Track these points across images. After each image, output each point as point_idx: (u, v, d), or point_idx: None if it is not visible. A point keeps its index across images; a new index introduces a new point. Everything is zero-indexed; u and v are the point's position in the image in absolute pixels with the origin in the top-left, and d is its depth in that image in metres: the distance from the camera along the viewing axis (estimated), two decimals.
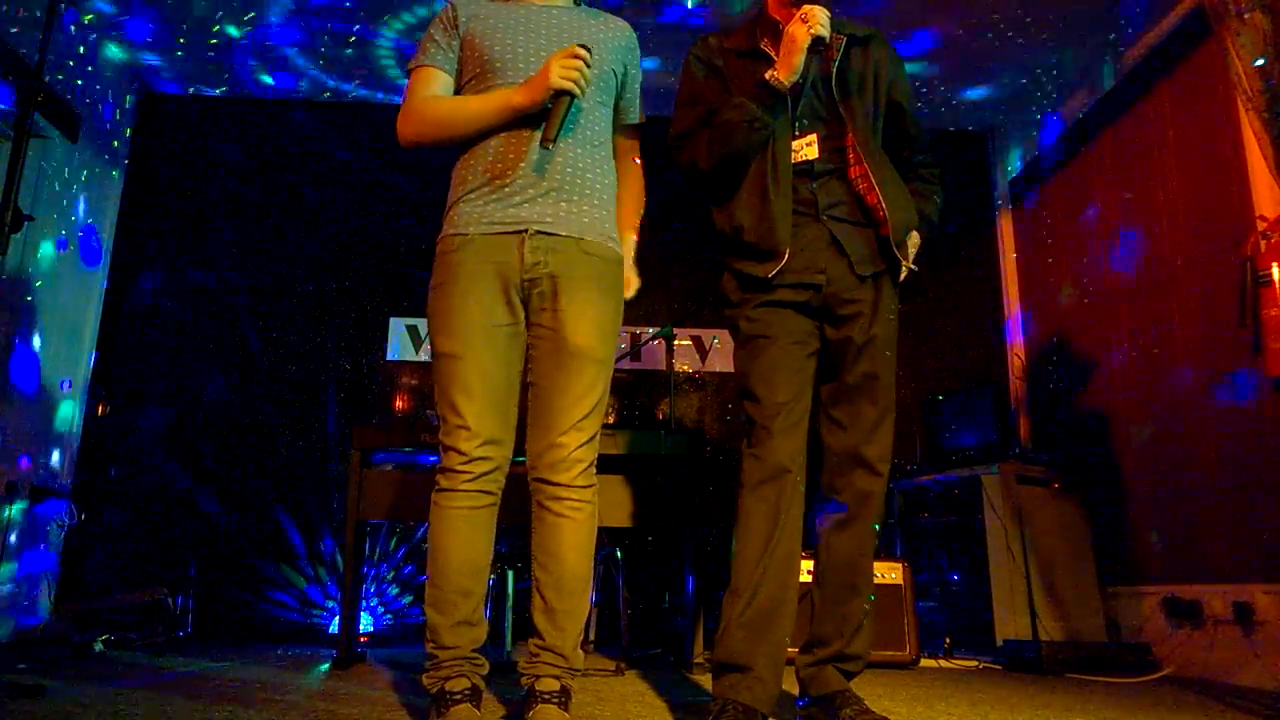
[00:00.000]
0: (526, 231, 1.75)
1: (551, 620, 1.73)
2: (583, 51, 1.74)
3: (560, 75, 1.71)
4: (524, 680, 1.74)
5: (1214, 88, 3.26)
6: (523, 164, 1.78)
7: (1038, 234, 4.61)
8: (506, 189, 1.77)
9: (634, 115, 2.00)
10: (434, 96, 1.85)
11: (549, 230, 1.77)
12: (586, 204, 1.82)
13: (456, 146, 1.86)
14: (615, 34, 1.96)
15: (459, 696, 1.65)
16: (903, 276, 1.93)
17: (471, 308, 1.73)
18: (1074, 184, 4.27)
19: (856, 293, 1.86)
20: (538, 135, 1.77)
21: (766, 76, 1.82)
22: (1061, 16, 3.91)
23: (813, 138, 1.90)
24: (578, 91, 1.74)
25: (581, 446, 1.75)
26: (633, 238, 1.98)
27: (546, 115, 1.74)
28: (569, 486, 1.74)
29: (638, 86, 2.01)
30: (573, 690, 1.76)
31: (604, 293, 1.81)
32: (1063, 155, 4.36)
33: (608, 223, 1.87)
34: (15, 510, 3.58)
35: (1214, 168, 3.29)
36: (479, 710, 1.67)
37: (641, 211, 2.01)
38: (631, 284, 1.95)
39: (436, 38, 1.89)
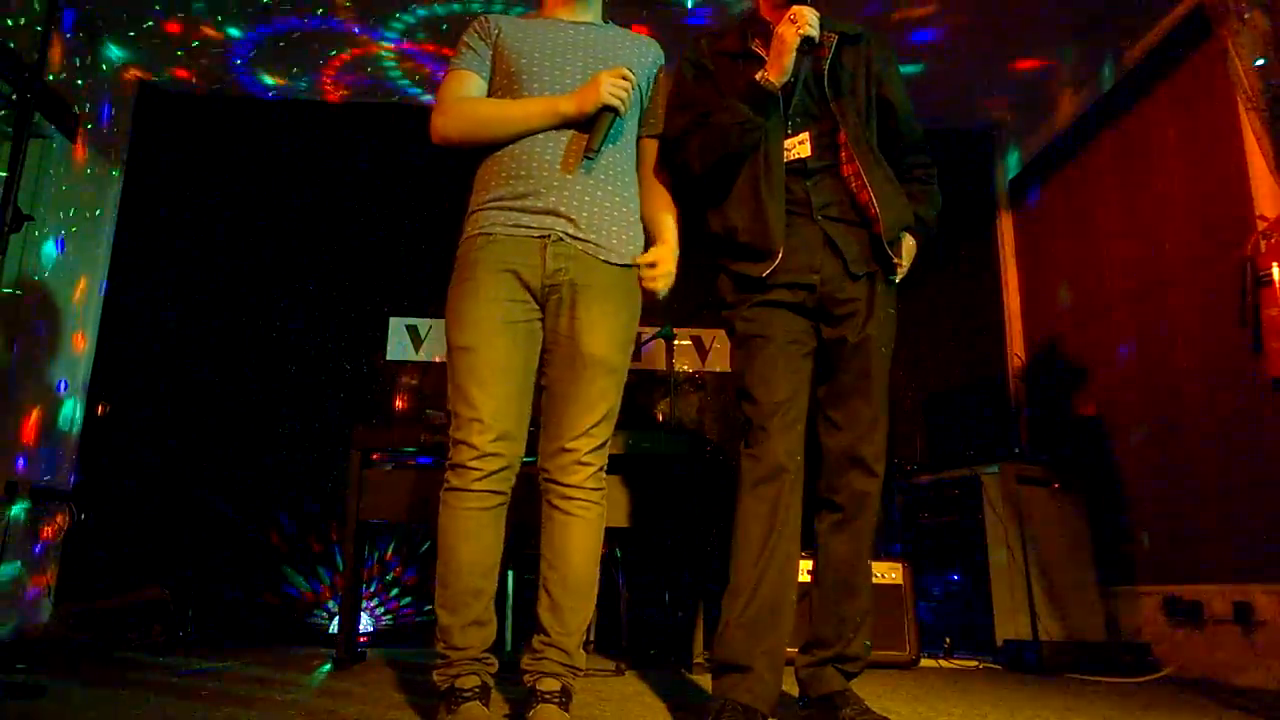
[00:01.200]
0: (550, 237, 1.78)
1: (557, 617, 1.74)
2: (631, 75, 1.82)
3: (609, 91, 1.78)
4: (526, 679, 1.74)
5: (1214, 88, 3.26)
6: (553, 171, 1.81)
7: (1038, 234, 4.61)
8: (533, 194, 1.79)
9: (661, 125, 2.02)
10: (472, 97, 1.89)
11: (573, 235, 1.79)
12: (611, 214, 1.85)
13: (484, 148, 1.88)
14: (642, 51, 1.99)
15: (469, 694, 1.65)
16: (899, 278, 1.94)
17: (490, 304, 1.75)
18: (1074, 184, 4.27)
19: (851, 292, 1.87)
20: (569, 143, 1.82)
21: (757, 77, 1.84)
22: (1062, 16, 3.91)
23: (805, 136, 1.91)
24: (623, 110, 1.81)
25: (592, 451, 1.78)
26: (670, 222, 1.95)
27: (590, 126, 1.80)
28: (579, 488, 1.77)
29: (664, 101, 2.03)
30: (574, 690, 1.76)
31: (621, 304, 1.83)
32: (1063, 155, 4.36)
33: (629, 233, 1.89)
34: (15, 510, 3.58)
35: (1214, 168, 3.29)
36: (488, 708, 1.67)
37: (674, 209, 1.99)
38: (666, 267, 1.88)
39: (471, 44, 1.93)
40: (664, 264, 1.89)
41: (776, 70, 1.82)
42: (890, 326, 1.92)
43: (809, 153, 1.90)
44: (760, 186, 1.86)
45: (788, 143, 1.91)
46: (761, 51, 1.90)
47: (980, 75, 4.44)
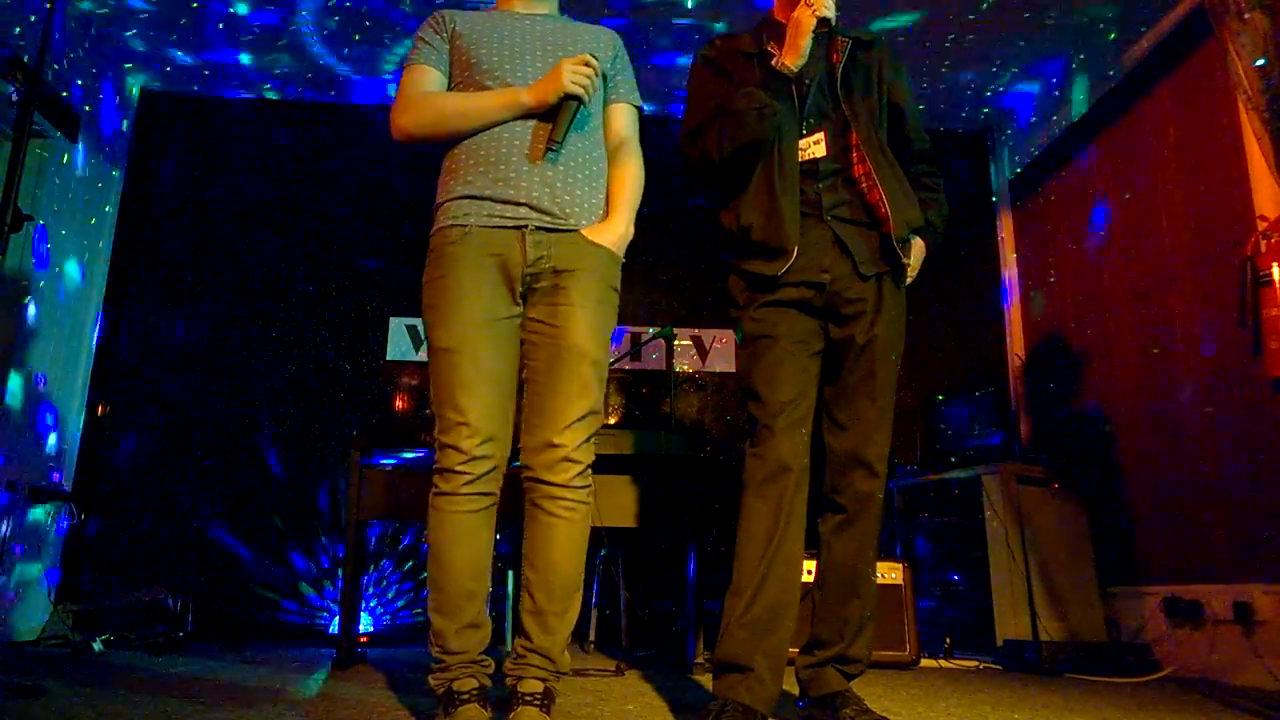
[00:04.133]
0: (527, 227, 1.76)
1: (540, 622, 1.71)
2: (594, 61, 1.78)
3: (572, 79, 1.75)
4: (508, 680, 1.72)
5: (1214, 88, 3.26)
6: (521, 158, 1.78)
7: (1038, 234, 4.61)
8: (505, 182, 1.77)
9: (630, 97, 1.98)
10: (433, 92, 1.86)
11: (549, 227, 1.77)
12: (584, 197, 1.83)
13: (449, 142, 1.85)
14: (599, 41, 1.97)
15: (466, 696, 1.64)
16: (909, 279, 1.94)
17: (472, 301, 1.72)
18: (1074, 184, 4.27)
19: (860, 292, 1.87)
20: (534, 133, 1.79)
21: (773, 62, 1.85)
22: (1062, 16, 3.91)
23: (820, 136, 1.92)
24: (586, 98, 1.77)
25: (579, 446, 1.73)
26: (624, 200, 1.87)
27: (553, 116, 1.77)
28: (566, 487, 1.72)
29: (630, 75, 2.01)
30: (556, 692, 1.74)
31: (601, 291, 1.80)
32: (1063, 155, 4.36)
33: (601, 212, 1.87)
34: (15, 510, 3.58)
35: (1214, 168, 3.29)
36: (487, 710, 1.66)
37: (638, 191, 1.92)
38: (616, 231, 1.83)
39: (428, 39, 1.90)
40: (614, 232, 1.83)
41: (793, 53, 1.83)
42: (899, 328, 1.92)
43: (824, 152, 1.91)
44: (775, 185, 1.86)
45: (803, 142, 1.91)
46: (777, 52, 1.91)
47: (980, 75, 4.44)
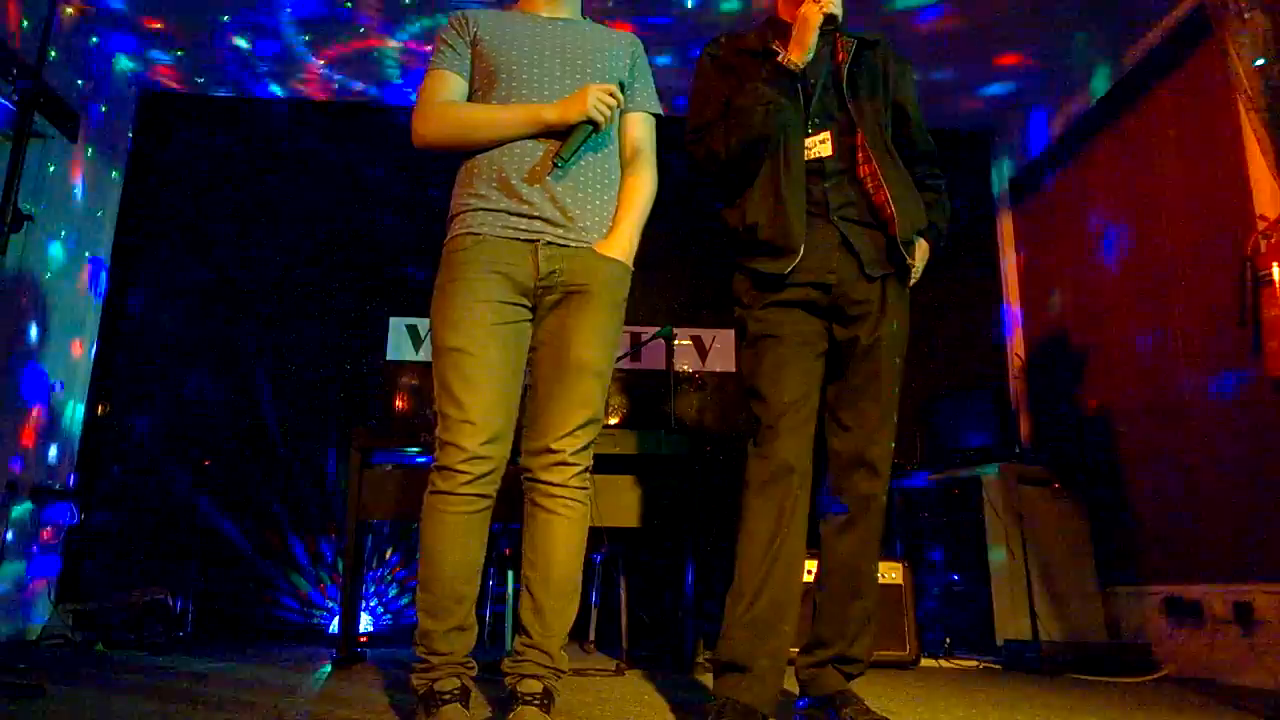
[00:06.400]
0: (540, 240, 1.77)
1: (539, 619, 1.73)
2: (619, 94, 1.80)
3: (595, 105, 1.76)
4: (507, 680, 1.73)
5: (1214, 88, 3.26)
6: (537, 172, 1.79)
7: (1038, 234, 4.61)
8: (519, 196, 1.78)
9: (647, 105, 1.99)
10: (454, 101, 1.87)
11: (562, 241, 1.78)
12: (596, 211, 1.84)
13: (467, 151, 1.85)
14: (620, 45, 1.98)
15: (448, 696, 1.64)
16: (913, 280, 1.94)
17: (480, 305, 1.73)
18: (1074, 184, 4.27)
19: (865, 293, 1.87)
20: (553, 145, 1.80)
21: (779, 58, 1.85)
22: (1062, 15, 3.91)
23: (826, 136, 1.92)
24: (603, 126, 1.79)
25: (577, 453, 1.76)
26: (631, 208, 1.88)
27: (567, 132, 1.78)
28: (563, 486, 1.75)
29: (648, 81, 2.01)
30: (555, 692, 1.75)
31: (611, 305, 1.81)
32: (1063, 155, 4.36)
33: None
34: (16, 510, 3.58)
35: (1214, 167, 3.29)
36: (468, 710, 1.66)
37: (647, 204, 1.92)
38: (622, 246, 1.84)
39: (450, 42, 1.90)
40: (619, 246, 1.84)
41: (799, 50, 1.83)
42: (903, 330, 1.91)
43: (830, 152, 1.90)
44: (781, 184, 1.86)
45: (809, 141, 1.91)
46: (782, 50, 1.90)
47: (980, 75, 4.44)
